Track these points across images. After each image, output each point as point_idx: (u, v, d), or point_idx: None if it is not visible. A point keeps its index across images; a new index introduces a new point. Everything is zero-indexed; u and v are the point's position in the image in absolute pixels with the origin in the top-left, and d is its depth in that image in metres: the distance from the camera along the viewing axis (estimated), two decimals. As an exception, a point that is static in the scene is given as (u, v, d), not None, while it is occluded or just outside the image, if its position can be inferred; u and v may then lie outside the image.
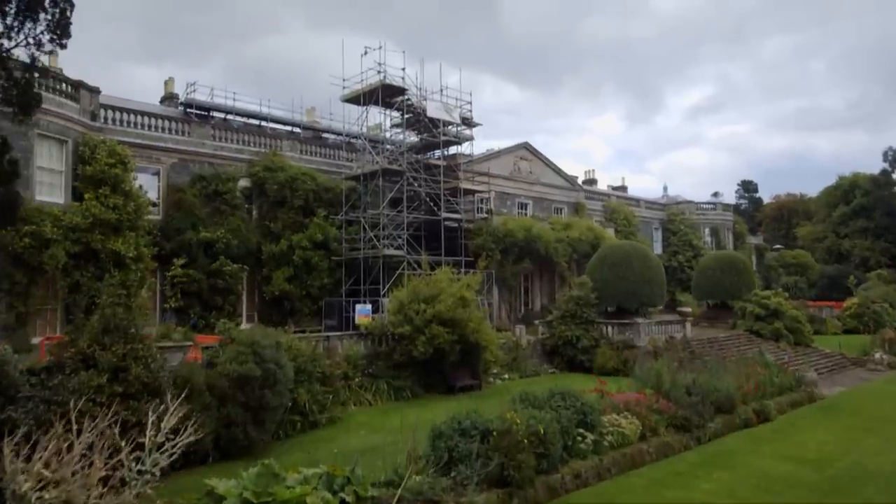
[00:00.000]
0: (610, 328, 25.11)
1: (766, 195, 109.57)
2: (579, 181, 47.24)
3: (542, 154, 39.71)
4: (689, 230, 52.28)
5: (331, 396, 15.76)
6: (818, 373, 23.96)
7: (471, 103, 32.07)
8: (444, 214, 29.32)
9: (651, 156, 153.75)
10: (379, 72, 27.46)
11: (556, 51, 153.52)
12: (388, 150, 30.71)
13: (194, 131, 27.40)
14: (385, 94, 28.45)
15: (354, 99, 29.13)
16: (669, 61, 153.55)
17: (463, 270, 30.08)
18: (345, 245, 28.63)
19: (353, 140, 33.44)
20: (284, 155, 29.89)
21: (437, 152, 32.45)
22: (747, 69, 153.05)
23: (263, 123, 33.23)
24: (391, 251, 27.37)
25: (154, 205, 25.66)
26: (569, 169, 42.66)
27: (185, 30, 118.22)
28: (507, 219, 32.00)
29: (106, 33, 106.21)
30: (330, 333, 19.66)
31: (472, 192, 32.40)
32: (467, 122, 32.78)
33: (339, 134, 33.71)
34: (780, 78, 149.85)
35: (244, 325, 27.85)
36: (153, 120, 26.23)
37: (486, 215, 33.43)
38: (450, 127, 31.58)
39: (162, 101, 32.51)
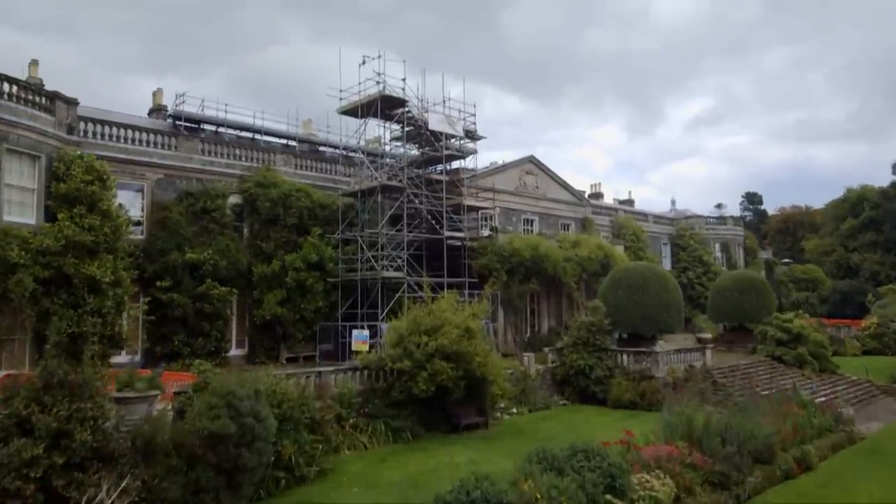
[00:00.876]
0: (625, 357, 23.35)
1: (769, 207, 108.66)
2: (585, 195, 45.63)
3: (548, 168, 38.11)
4: (699, 246, 50.57)
5: (321, 445, 13.98)
6: (849, 404, 22.17)
7: (474, 115, 30.51)
8: (447, 233, 27.65)
9: (651, 167, 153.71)
10: (378, 82, 25.93)
11: (557, 62, 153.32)
12: (387, 164, 29.10)
13: (181, 145, 25.80)
14: (384, 106, 26.87)
15: (352, 111, 27.55)
16: (670, 73, 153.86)
17: (467, 292, 28.41)
18: (341, 266, 26.94)
19: (350, 154, 31.86)
20: (278, 170, 28.28)
21: (440, 166, 30.80)
22: (748, 81, 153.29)
23: (257, 136, 31.68)
24: (390, 273, 25.68)
25: (137, 223, 24.03)
26: (573, 182, 41.10)
27: (188, 41, 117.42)
28: (513, 237, 30.32)
29: (108, 44, 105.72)
30: (322, 368, 17.86)
31: (477, 208, 30.75)
32: (471, 135, 31.19)
33: (336, 147, 32.11)
34: (781, 89, 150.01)
35: (233, 351, 26.23)
36: (137, 133, 24.63)
37: (490, 233, 31.75)
38: (452, 140, 29.97)
39: (150, 113, 30.96)
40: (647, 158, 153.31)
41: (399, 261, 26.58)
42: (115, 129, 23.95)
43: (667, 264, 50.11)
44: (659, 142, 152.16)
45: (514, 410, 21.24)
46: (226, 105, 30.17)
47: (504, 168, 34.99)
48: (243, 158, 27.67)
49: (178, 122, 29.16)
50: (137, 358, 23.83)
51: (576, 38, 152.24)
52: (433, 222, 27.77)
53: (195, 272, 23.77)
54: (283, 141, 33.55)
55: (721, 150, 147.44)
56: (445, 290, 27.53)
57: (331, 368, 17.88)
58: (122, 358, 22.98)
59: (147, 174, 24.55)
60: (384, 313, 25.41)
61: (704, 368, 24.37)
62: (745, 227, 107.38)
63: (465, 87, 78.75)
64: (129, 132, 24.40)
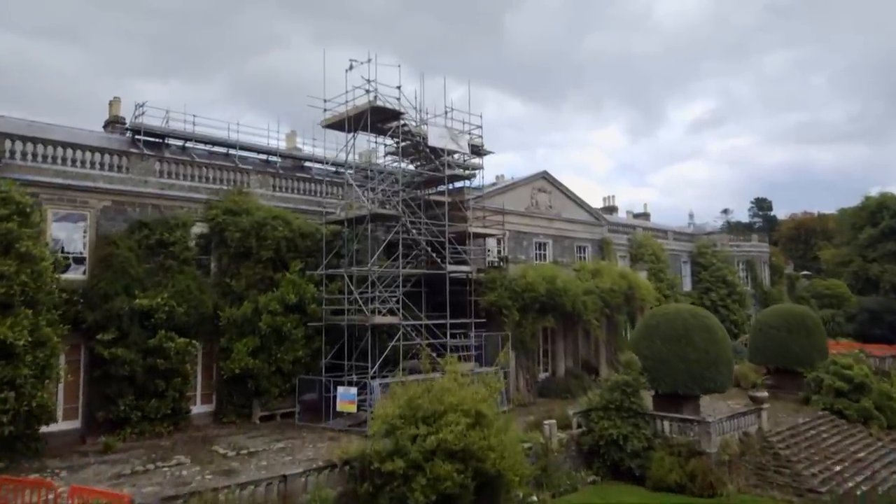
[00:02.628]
0: (667, 424, 19.24)
1: (770, 208, 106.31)
2: (600, 210, 41.54)
3: (562, 184, 34.03)
4: (723, 264, 46.44)
5: None
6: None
7: (481, 128, 26.40)
8: (451, 268, 23.55)
9: (652, 169, 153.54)
10: (367, 91, 21.83)
11: (560, 66, 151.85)
12: (380, 186, 25.00)
13: (134, 165, 21.72)
14: (376, 119, 22.79)
15: (338, 124, 23.44)
16: (672, 76, 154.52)
17: (473, 334, 24.38)
18: (325, 307, 22.82)
19: (337, 171, 27.72)
20: (252, 192, 24.22)
21: (441, 186, 26.68)
22: (749, 83, 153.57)
23: (232, 152, 27.61)
24: (382, 318, 21.55)
25: (78, 261, 20.02)
26: (585, 192, 37.33)
27: (190, 46, 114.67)
28: (525, 268, 26.21)
29: (112, 50, 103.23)
30: (289, 472, 13.67)
31: (484, 235, 26.68)
32: (477, 150, 27.15)
33: (324, 162, 27.95)
34: (782, 92, 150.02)
35: (198, 408, 22.16)
36: (78, 153, 20.56)
37: (498, 261, 27.68)
38: (455, 154, 25.83)
39: (106, 126, 26.84)
40: (648, 161, 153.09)
41: (394, 300, 22.48)
42: (49, 149, 19.89)
43: (687, 284, 46.12)
44: (660, 144, 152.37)
45: (535, 498, 17.10)
46: (194, 116, 26.13)
47: (514, 186, 30.92)
48: (211, 179, 23.58)
49: (137, 137, 25.08)
50: (78, 425, 19.80)
51: (578, 42, 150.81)
52: (433, 254, 23.66)
53: (146, 321, 19.69)
54: (264, 156, 29.53)
55: (722, 153, 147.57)
56: (448, 333, 23.67)
57: (300, 471, 13.68)
58: (60, 425, 19.02)
59: (91, 202, 20.48)
60: (375, 366, 21.33)
61: (761, 435, 20.25)
62: (755, 234, 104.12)
63: (469, 92, 74.71)
64: (69, 151, 20.32)
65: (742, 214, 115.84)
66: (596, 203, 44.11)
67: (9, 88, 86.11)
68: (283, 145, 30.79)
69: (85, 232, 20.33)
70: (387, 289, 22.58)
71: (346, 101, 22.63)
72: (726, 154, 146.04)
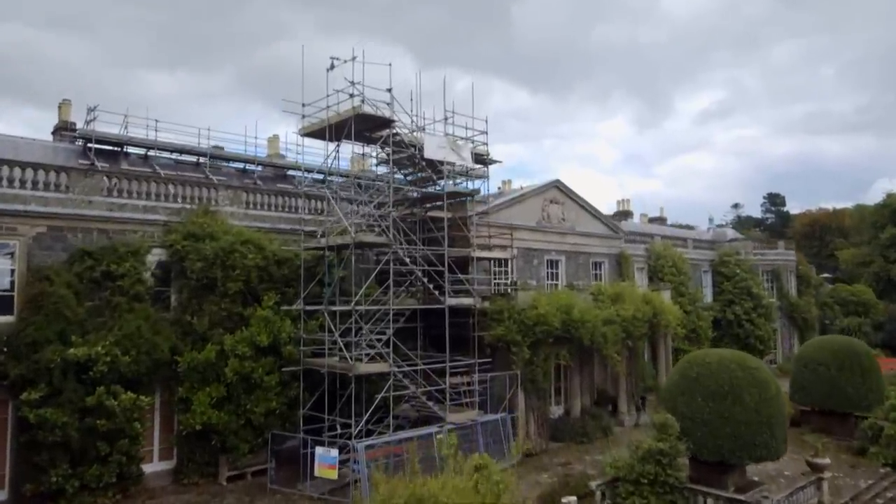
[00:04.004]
0: (711, 503, 15.88)
1: (766, 198, 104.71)
2: (610, 215, 38.12)
3: (576, 194, 30.56)
4: (747, 275, 42.86)
5: None
6: None
7: (486, 133, 22.89)
8: (451, 301, 20.16)
9: (658, 160, 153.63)
10: (352, 95, 18.35)
11: (567, 57, 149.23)
12: (369, 198, 21.58)
13: (77, 183, 18.38)
14: (362, 127, 19.40)
15: (318, 132, 20.00)
16: (680, 66, 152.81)
17: (476, 376, 21.04)
18: (303, 348, 19.50)
19: (324, 180, 24.25)
20: (221, 211, 20.90)
21: (440, 200, 23.21)
22: (757, 74, 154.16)
23: (204, 160, 24.26)
24: (369, 366, 18.21)
25: (3, 301, 16.76)
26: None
27: (196, 37, 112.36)
28: (537, 296, 22.80)
29: (119, 41, 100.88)
30: None
31: (489, 259, 23.30)
32: (482, 159, 23.70)
33: (303, 171, 24.42)
34: (790, 83, 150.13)
35: (156, 466, 18.98)
36: (5, 169, 17.22)
37: (506, 287, 24.31)
38: (457, 164, 22.31)
39: (54, 134, 23.46)
40: (654, 152, 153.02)
41: (384, 339, 19.10)
42: (-33, 167, 16.59)
43: (708, 296, 42.63)
44: (667, 135, 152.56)
45: None
46: (157, 122, 22.76)
47: (523, 198, 27.46)
48: (171, 197, 20.23)
49: (90, 146, 21.77)
50: (4, 497, 16.60)
51: (586, 32, 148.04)
52: (430, 285, 20.25)
53: (84, 373, 16.41)
54: (241, 165, 26.20)
55: (729, 143, 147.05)
56: (447, 377, 20.36)
57: None
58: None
59: (20, 228, 17.18)
60: (362, 422, 18.03)
61: (821, 510, 16.88)
62: (767, 231, 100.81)
63: (471, 84, 71.29)
64: (-6, 168, 17.02)
65: (753, 209, 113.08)
66: (609, 205, 40.83)
67: (17, 80, 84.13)
68: (266, 152, 27.49)
69: (12, 265, 17.03)
70: (376, 325, 19.24)
71: (328, 106, 19.17)
72: (733, 145, 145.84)
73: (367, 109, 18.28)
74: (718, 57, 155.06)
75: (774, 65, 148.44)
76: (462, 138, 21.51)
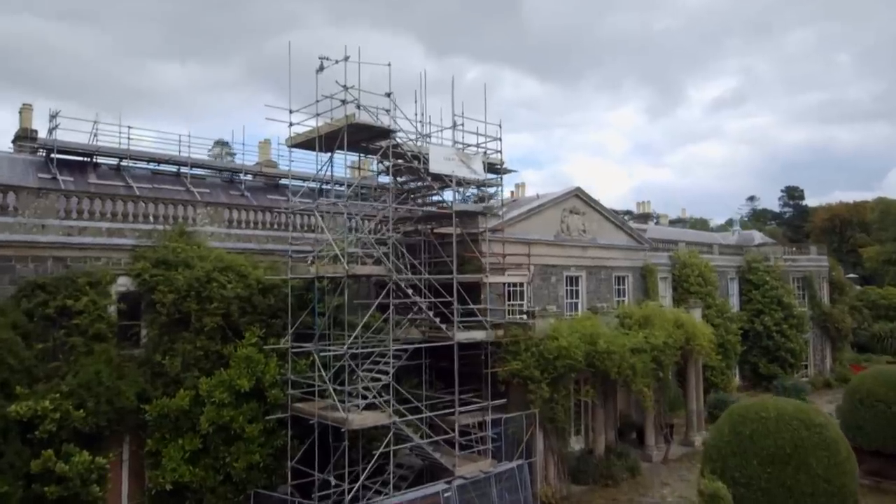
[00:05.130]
0: (773, 591, 13.33)
1: (778, 188, 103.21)
2: (630, 222, 35.38)
3: (598, 203, 27.83)
4: (777, 283, 39.92)
5: None
6: None
7: (500, 139, 20.17)
8: (460, 336, 17.57)
9: (669, 149, 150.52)
10: (344, 101, 15.70)
11: (579, 45, 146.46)
12: (369, 214, 19.01)
13: (28, 204, 15.90)
14: (357, 137, 16.78)
15: (307, 143, 17.37)
16: (692, 55, 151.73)
17: (490, 417, 18.50)
18: (291, 392, 16.98)
19: (321, 189, 21.63)
20: (200, 231, 18.38)
21: (448, 219, 20.55)
22: (771, 61, 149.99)
23: (184, 171, 21.76)
24: (364, 418, 15.65)
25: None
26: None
27: (208, 28, 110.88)
28: (557, 325, 20.18)
29: (129, 31, 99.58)
30: None
31: (504, 284, 20.71)
32: (495, 168, 21.06)
33: (305, 179, 21.76)
34: (804, 70, 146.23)
35: (123, 524, 16.55)
36: (-61, 192, 14.79)
37: (521, 314, 21.71)
38: (467, 177, 19.58)
39: (15, 142, 20.94)
40: (665, 141, 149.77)
41: (384, 380, 16.54)
42: None
43: (734, 304, 39.77)
44: (678, 124, 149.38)
45: None
46: (129, 128, 20.25)
47: (541, 209, 24.76)
48: (142, 217, 17.71)
49: (53, 156, 19.29)
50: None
51: (597, 20, 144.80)
52: (437, 319, 17.63)
53: (29, 431, 14.00)
54: (227, 175, 23.65)
55: (741, 132, 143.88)
56: (457, 420, 17.84)
57: None
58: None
59: (-42, 260, 14.76)
60: (358, 483, 15.52)
61: None
62: (785, 225, 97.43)
63: (481, 74, 68.32)
64: (-74, 191, 14.57)
65: (768, 201, 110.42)
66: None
67: (30, 73, 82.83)
68: (256, 159, 24.92)
69: (-52, 304, 14.61)
70: (376, 362, 16.68)
71: (318, 114, 16.53)
72: (745, 133, 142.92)
73: (364, 118, 15.66)
74: (731, 44, 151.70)
75: (789, 52, 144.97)
76: (472, 146, 18.87)
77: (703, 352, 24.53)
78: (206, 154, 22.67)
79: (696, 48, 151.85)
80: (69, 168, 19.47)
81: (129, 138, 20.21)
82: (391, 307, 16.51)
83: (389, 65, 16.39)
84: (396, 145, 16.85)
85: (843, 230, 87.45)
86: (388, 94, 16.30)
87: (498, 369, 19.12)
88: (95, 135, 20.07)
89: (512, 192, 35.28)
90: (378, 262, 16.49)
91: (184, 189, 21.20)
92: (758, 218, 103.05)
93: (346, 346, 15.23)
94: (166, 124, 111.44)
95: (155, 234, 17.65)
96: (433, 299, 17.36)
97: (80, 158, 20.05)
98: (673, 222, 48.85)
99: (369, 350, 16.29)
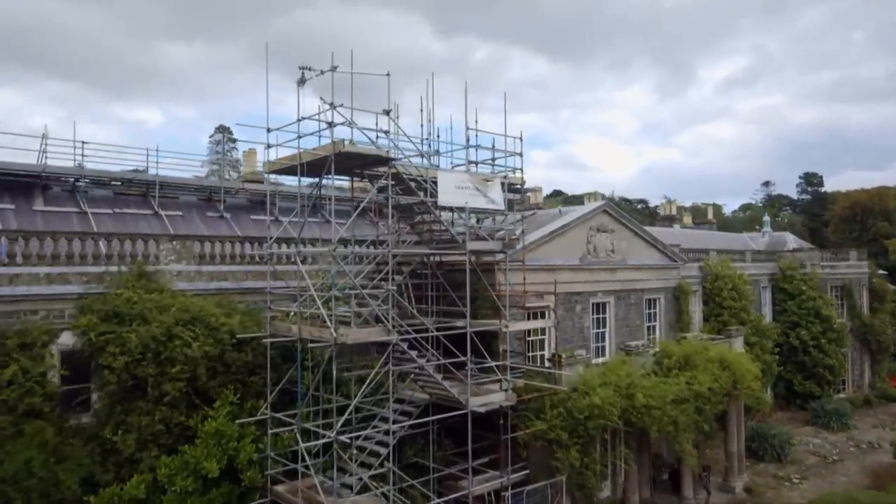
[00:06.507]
0: None
1: (794, 172, 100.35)
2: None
3: (628, 218, 24.66)
4: (815, 293, 36.60)
5: None
6: None
7: (521, 155, 16.94)
8: (474, 403, 14.56)
9: (678, 129, 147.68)
10: (331, 123, 12.51)
11: (589, 23, 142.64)
12: (365, 247, 15.95)
13: (-56, 251, 12.92)
14: (348, 164, 13.64)
15: (289, 169, 14.23)
16: (704, 33, 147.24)
17: (509, 494, 15.56)
18: (269, 473, 14.05)
19: (316, 206, 18.51)
20: (163, 271, 15.36)
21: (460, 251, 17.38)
22: (783, 40, 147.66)
23: (152, 192, 18.67)
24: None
25: None
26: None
27: (215, 6, 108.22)
28: (588, 376, 17.16)
29: (135, 10, 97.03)
30: None
31: (525, 330, 17.65)
32: (514, 188, 17.91)
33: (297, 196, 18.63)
34: (818, 48, 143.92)
35: None
36: None
37: (547, 363, 18.66)
38: (482, 203, 16.36)
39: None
40: (674, 121, 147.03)
41: (381, 466, 13.61)
42: None
43: (767, 314, 36.57)
44: (687, 103, 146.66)
45: None
46: (83, 143, 17.15)
47: (564, 229, 21.57)
48: (91, 257, 14.68)
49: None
50: None
51: None
52: (446, 385, 14.56)
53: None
54: (206, 194, 20.56)
55: (751, 112, 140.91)
56: (470, 492, 14.91)
57: None
58: None
59: None
60: None
61: None
62: (803, 213, 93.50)
63: (490, 53, 64.70)
64: None
65: (783, 183, 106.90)
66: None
67: (38, 52, 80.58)
68: (241, 171, 21.77)
69: None
70: (376, 427, 13.72)
71: (300, 136, 13.35)
72: (755, 113, 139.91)
73: (355, 148, 12.47)
74: (744, 23, 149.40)
75: (802, 29, 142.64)
76: (491, 174, 15.68)
77: (752, 395, 21.49)
78: (181, 169, 19.49)
79: (708, 27, 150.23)
80: (11, 192, 16.46)
81: (83, 156, 17.18)
82: (390, 375, 13.48)
83: (388, 74, 13.19)
84: (397, 173, 13.68)
85: (864, 219, 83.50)
86: (387, 112, 13.10)
87: (519, 433, 16.14)
88: (44, 152, 17.03)
89: (529, 197, 31.99)
90: (377, 318, 13.41)
91: (151, 213, 18.17)
92: (773, 204, 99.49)
93: (334, 431, 12.22)
94: (174, 105, 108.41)
95: (108, 277, 14.65)
96: (442, 360, 14.27)
97: (28, 180, 17.03)
98: (698, 224, 45.47)
99: (362, 430, 13.29)
